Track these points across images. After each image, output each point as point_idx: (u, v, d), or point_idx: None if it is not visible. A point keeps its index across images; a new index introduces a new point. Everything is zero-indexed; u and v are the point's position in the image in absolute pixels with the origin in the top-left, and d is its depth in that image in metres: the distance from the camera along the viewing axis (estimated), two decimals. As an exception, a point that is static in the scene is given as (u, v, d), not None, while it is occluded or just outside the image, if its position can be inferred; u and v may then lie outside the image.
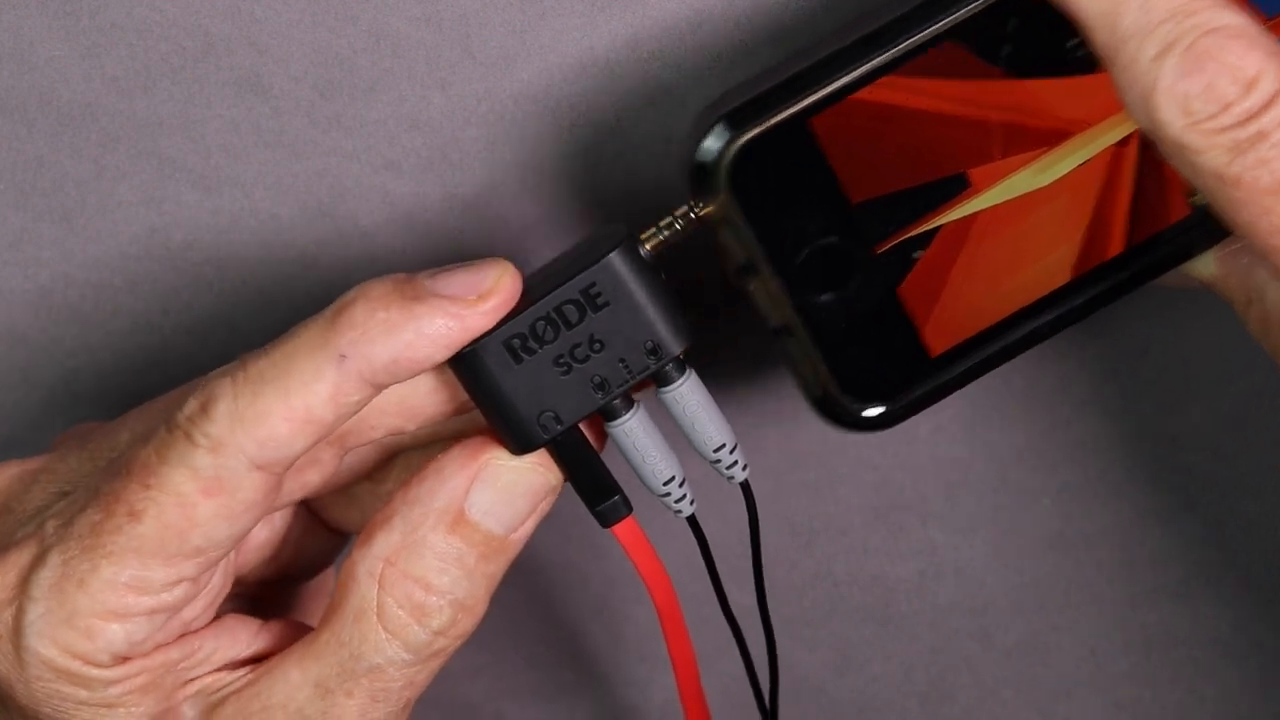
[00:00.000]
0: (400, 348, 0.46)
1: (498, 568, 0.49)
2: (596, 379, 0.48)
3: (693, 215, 0.48)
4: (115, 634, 0.47)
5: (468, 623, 0.49)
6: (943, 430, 0.60)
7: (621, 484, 0.49)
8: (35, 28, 0.53)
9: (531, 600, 0.64)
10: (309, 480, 0.51)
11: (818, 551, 0.63)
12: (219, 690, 0.49)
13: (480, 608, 0.49)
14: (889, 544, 0.62)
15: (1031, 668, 0.64)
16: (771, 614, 0.54)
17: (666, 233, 0.48)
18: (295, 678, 0.48)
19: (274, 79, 0.54)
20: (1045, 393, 0.59)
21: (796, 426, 0.60)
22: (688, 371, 0.49)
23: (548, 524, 0.62)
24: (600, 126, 0.54)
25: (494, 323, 0.47)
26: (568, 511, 0.62)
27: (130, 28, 0.53)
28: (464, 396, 0.49)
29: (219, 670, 0.49)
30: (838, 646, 0.64)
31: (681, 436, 0.50)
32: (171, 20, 0.53)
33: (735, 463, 0.50)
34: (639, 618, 0.64)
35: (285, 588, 0.55)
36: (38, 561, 0.47)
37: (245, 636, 0.50)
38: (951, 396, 0.50)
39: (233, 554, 0.49)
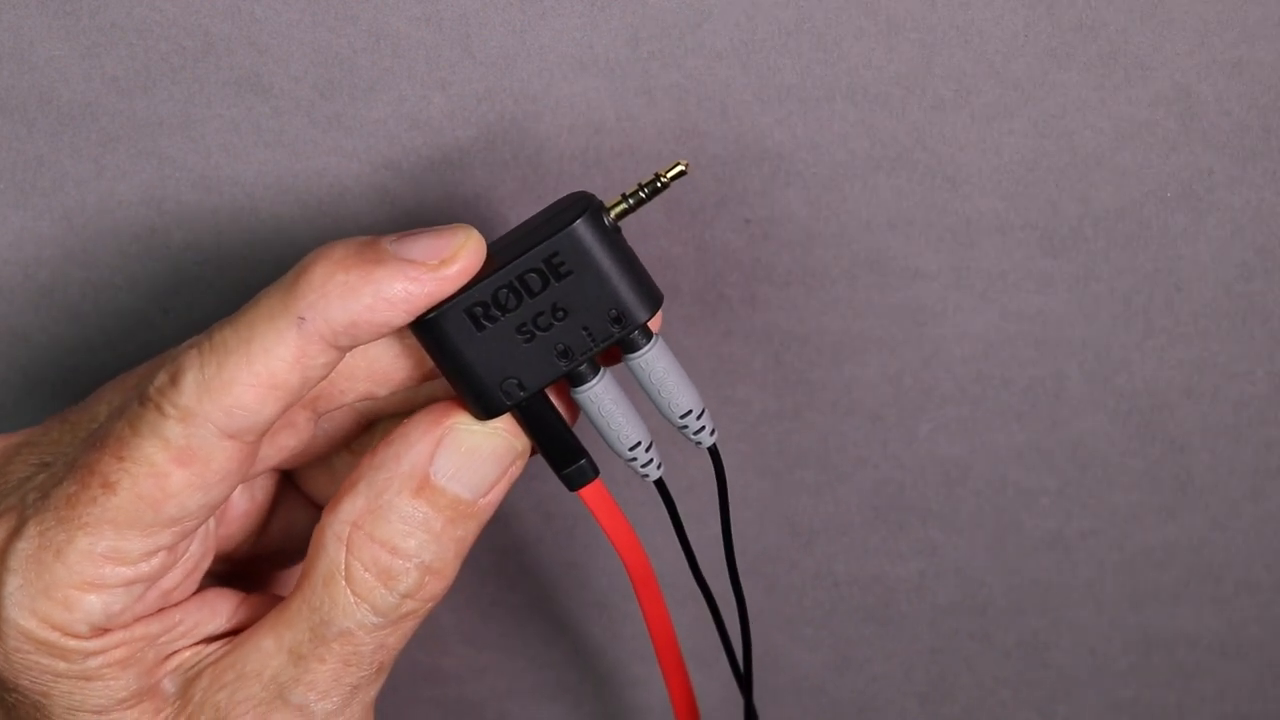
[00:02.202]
0: (359, 310, 0.46)
1: (466, 532, 0.49)
2: (560, 346, 0.48)
3: (659, 183, 0.48)
4: (93, 605, 0.47)
5: (436, 586, 0.49)
6: (943, 430, 0.60)
7: (591, 451, 0.49)
8: (35, 28, 0.53)
9: (534, 601, 0.64)
10: (285, 444, 0.51)
11: (818, 551, 0.63)
12: (197, 663, 0.49)
13: (449, 571, 0.49)
14: (889, 544, 0.62)
15: (1031, 668, 0.64)
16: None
17: (631, 200, 0.48)
18: (269, 645, 0.49)
19: (274, 79, 0.54)
20: (1044, 392, 0.59)
21: (796, 426, 0.60)
22: (654, 338, 0.49)
23: (549, 524, 0.62)
24: (600, 126, 0.54)
25: (456, 288, 0.47)
26: (570, 511, 0.62)
27: (130, 28, 0.53)
28: (432, 362, 0.49)
29: (199, 644, 0.49)
30: (838, 646, 0.64)
31: (649, 403, 0.50)
32: (171, 20, 0.53)
33: (703, 428, 0.50)
34: (640, 617, 0.64)
35: (273, 568, 0.55)
36: (15, 533, 0.47)
37: (226, 609, 0.50)
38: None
39: (213, 524, 0.49)
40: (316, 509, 0.54)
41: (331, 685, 0.49)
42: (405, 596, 0.48)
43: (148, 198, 0.56)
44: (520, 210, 0.56)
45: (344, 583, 0.48)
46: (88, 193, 0.56)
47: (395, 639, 0.49)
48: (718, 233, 0.57)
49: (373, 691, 0.50)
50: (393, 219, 0.56)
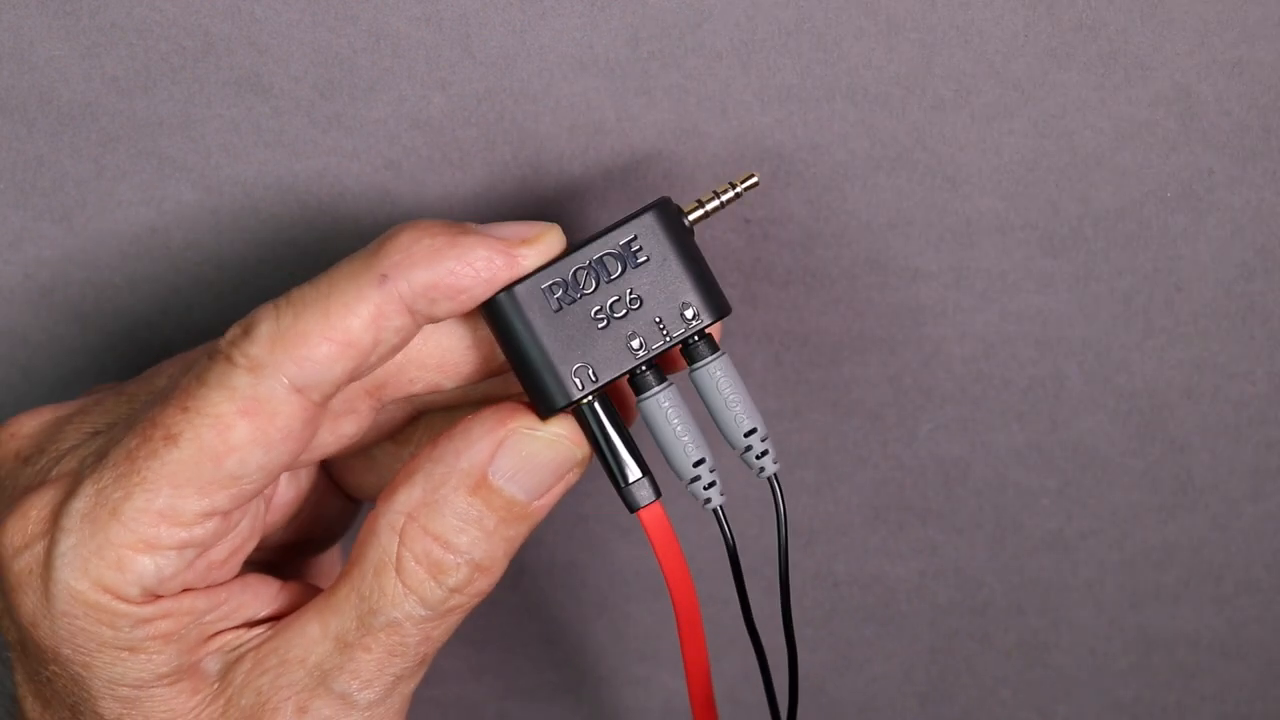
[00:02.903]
0: (442, 273, 0.46)
1: (518, 533, 0.49)
2: (633, 337, 0.48)
3: (734, 192, 0.49)
4: (145, 566, 0.47)
5: (484, 582, 0.49)
6: (943, 430, 0.60)
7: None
8: (35, 28, 0.53)
9: (534, 600, 0.64)
10: (344, 431, 0.51)
11: (818, 551, 0.62)
12: (238, 646, 0.49)
13: (498, 569, 0.49)
14: (889, 544, 0.62)
15: (1031, 668, 0.64)
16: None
17: (708, 207, 0.49)
18: (314, 631, 0.49)
19: (274, 79, 0.54)
20: (1044, 392, 0.59)
21: (797, 426, 0.60)
22: (720, 351, 0.49)
23: (551, 524, 0.62)
24: (600, 126, 0.54)
25: (533, 267, 0.47)
26: (569, 510, 0.62)
27: (130, 28, 0.53)
28: (499, 358, 0.49)
29: (240, 627, 0.50)
30: (838, 646, 0.64)
31: (708, 428, 0.49)
32: (171, 20, 0.53)
33: (765, 452, 0.49)
34: (640, 617, 0.64)
35: (298, 558, 0.55)
36: (71, 493, 0.47)
37: (267, 595, 0.50)
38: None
39: (263, 507, 0.50)
40: (347, 498, 0.55)
41: (375, 675, 0.49)
42: (453, 591, 0.49)
43: (148, 198, 0.56)
44: (520, 210, 0.56)
45: (394, 573, 0.48)
46: (88, 193, 0.56)
47: (440, 632, 0.49)
48: (718, 233, 0.57)
49: (413, 684, 0.50)
50: (393, 219, 0.56)
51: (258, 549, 0.53)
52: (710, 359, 0.48)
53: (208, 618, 0.49)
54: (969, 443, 0.60)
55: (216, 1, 0.53)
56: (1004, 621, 0.64)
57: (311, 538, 0.55)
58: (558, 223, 0.56)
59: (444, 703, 0.66)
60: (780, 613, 0.51)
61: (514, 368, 0.48)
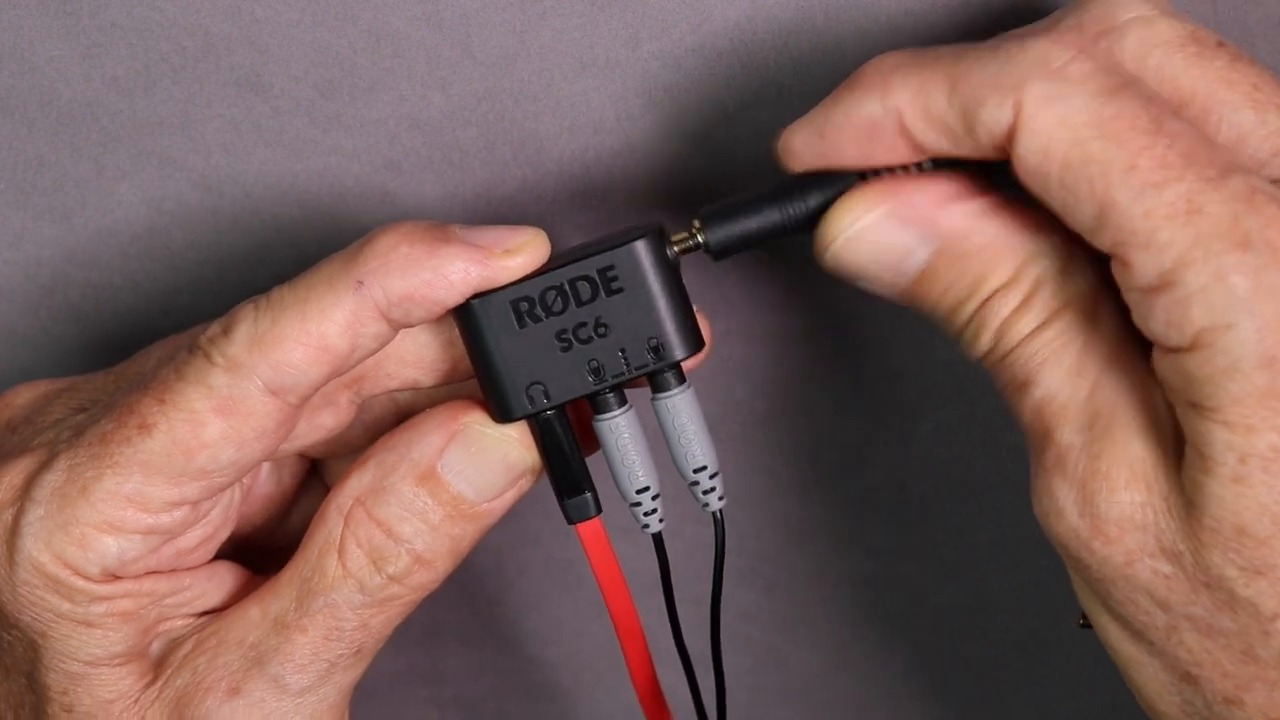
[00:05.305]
0: (418, 284, 0.47)
1: (464, 532, 0.49)
2: (593, 363, 0.48)
3: None
4: (108, 547, 0.47)
5: (424, 576, 0.49)
6: (943, 430, 0.60)
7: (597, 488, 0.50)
8: (35, 27, 0.53)
9: (532, 600, 0.64)
10: (323, 424, 0.51)
11: (817, 551, 0.63)
12: (184, 632, 0.50)
13: (441, 565, 0.49)
14: (889, 544, 0.62)
15: (1031, 668, 0.64)
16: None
17: (700, 237, 0.48)
18: (254, 614, 0.49)
19: (274, 79, 0.54)
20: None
21: (794, 426, 0.60)
22: (686, 384, 0.49)
23: (549, 522, 0.62)
24: (600, 126, 0.54)
25: (511, 279, 0.47)
26: (568, 511, 0.62)
27: (130, 28, 0.53)
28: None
29: (195, 616, 0.50)
30: (837, 646, 0.64)
31: (664, 454, 0.50)
32: (171, 20, 0.53)
33: (713, 489, 0.50)
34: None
35: (285, 565, 0.56)
36: (44, 466, 0.48)
37: (233, 584, 0.51)
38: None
39: (237, 496, 0.50)
40: None
41: (310, 659, 0.49)
42: (392, 579, 0.49)
43: (148, 198, 0.56)
44: (520, 210, 0.56)
45: (336, 555, 0.49)
46: (88, 193, 0.56)
47: (379, 621, 0.49)
48: (718, 233, 0.57)
49: (350, 676, 0.50)
50: (393, 219, 0.56)
51: (244, 547, 0.54)
52: (672, 392, 0.49)
53: (167, 601, 0.49)
54: (969, 443, 0.60)
55: (216, 1, 0.53)
56: (1004, 621, 0.64)
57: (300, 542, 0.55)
58: (557, 223, 0.56)
59: (443, 703, 0.66)
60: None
61: (475, 372, 0.49)
